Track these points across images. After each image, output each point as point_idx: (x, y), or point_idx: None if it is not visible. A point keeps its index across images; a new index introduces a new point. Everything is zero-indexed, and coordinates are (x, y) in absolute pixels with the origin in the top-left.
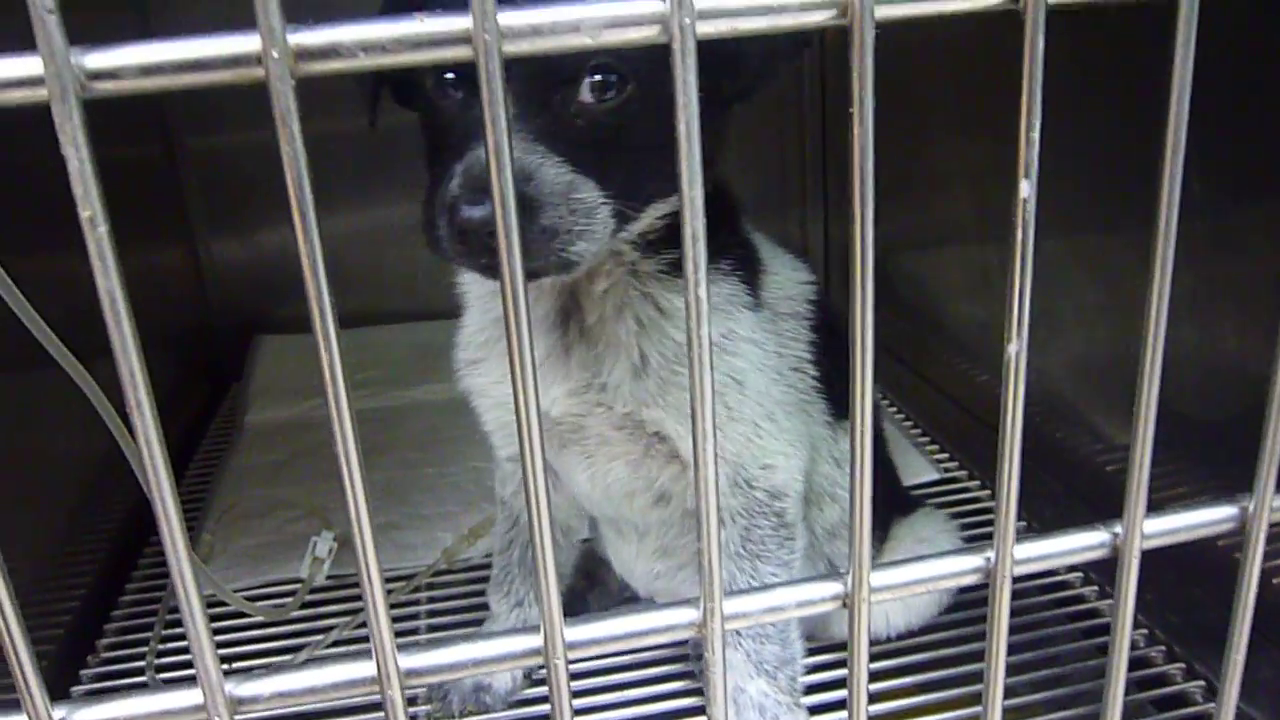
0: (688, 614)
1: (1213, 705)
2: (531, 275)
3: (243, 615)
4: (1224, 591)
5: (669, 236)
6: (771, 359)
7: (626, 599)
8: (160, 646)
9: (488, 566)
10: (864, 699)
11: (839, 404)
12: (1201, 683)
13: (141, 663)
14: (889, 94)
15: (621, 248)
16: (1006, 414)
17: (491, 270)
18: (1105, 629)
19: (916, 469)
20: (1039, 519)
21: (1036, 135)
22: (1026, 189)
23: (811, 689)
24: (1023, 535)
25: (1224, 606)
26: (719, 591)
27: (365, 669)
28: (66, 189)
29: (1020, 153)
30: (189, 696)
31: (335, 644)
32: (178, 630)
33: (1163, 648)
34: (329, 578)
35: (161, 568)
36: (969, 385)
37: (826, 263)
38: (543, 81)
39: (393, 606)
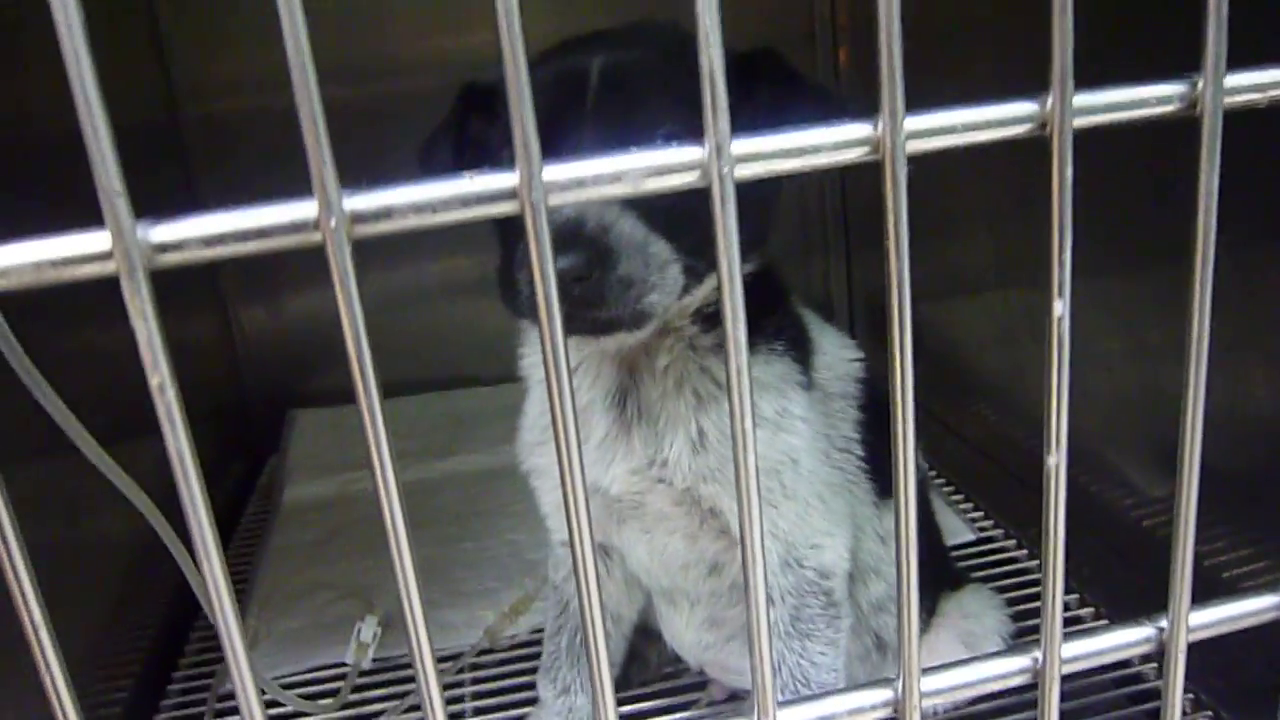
0: None
1: None
2: (605, 328)
3: (280, 705)
4: (1269, 653)
5: None
6: (821, 440)
7: (666, 674)
8: None
9: (530, 644)
10: None
11: (883, 483)
12: None
13: None
14: None
15: (681, 323)
16: (1049, 522)
17: (573, 323)
18: (1158, 701)
19: (952, 529)
20: (1076, 577)
21: (1069, 256)
22: (1060, 308)
23: None
24: (1073, 621)
25: (1269, 669)
26: (772, 704)
27: None
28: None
29: (1053, 273)
30: None
31: None
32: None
33: (1209, 712)
34: (374, 660)
35: (210, 653)
36: (1000, 439)
37: (851, 312)
38: (618, 140)
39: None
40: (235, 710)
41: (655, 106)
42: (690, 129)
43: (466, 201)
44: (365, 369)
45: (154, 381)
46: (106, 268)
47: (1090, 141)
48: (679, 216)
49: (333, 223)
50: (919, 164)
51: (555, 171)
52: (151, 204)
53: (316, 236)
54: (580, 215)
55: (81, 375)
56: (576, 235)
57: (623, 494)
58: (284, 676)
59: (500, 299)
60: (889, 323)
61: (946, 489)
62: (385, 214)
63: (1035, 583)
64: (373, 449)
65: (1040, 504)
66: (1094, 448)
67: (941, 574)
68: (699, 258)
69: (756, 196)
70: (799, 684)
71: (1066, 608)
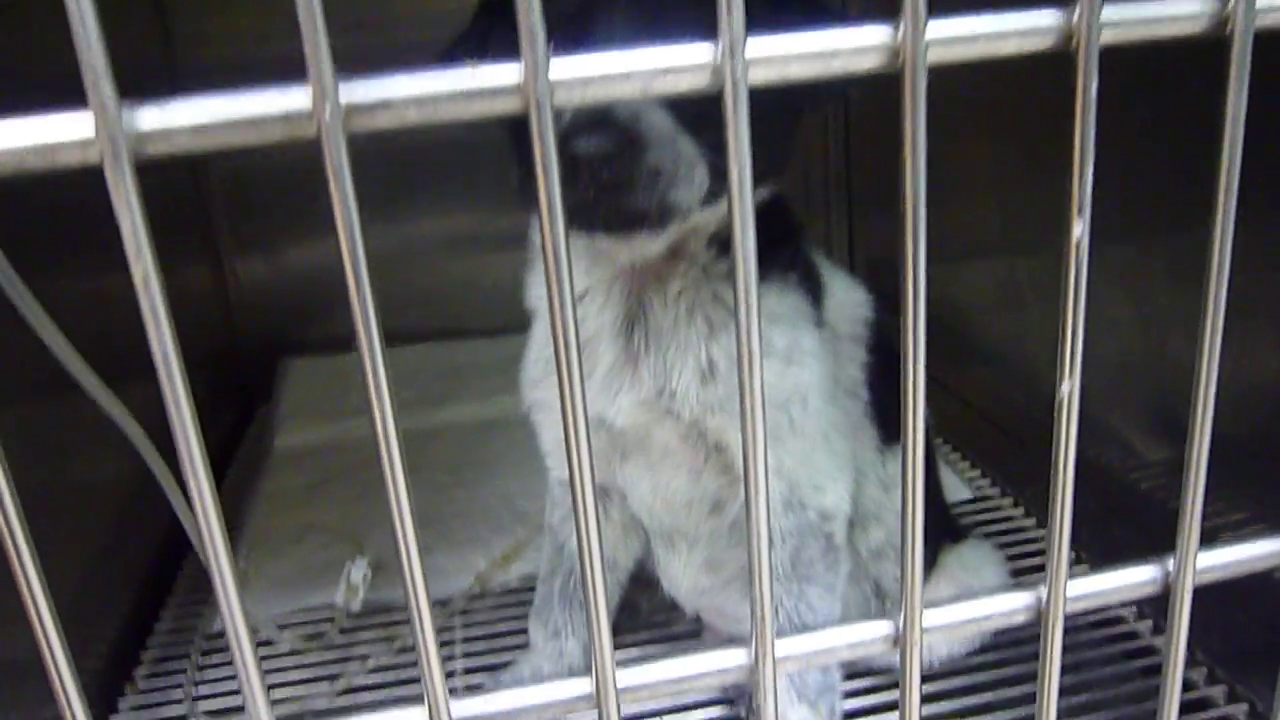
0: (738, 656)
1: None
2: (628, 222)
3: (269, 644)
4: (1268, 614)
5: None
6: (829, 379)
7: (658, 622)
8: (197, 676)
9: (520, 591)
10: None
11: (888, 429)
12: (1245, 705)
13: (179, 691)
14: None
15: (696, 247)
16: (1059, 452)
17: (597, 213)
18: (1152, 657)
19: (951, 488)
20: (1074, 539)
21: (1089, 175)
22: (1079, 228)
23: (850, 715)
24: (1074, 570)
25: (1268, 629)
26: (770, 633)
27: (415, 716)
28: (99, 212)
29: (1073, 191)
30: None
31: (373, 671)
32: (215, 659)
33: (1204, 669)
34: (364, 601)
35: (197, 593)
36: (999, 399)
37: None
38: (649, 32)
39: None
40: (222, 649)
41: (685, 14)
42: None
43: (469, 96)
44: (361, 278)
45: (137, 273)
46: (90, 154)
47: (1103, 109)
48: (707, 118)
49: (328, 113)
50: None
51: (562, 68)
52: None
53: (311, 128)
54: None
55: (74, 321)
56: (606, 118)
57: (628, 426)
58: (273, 617)
59: (520, 201)
60: (902, 246)
61: (945, 448)
62: (384, 106)
63: (1032, 540)
64: (366, 357)
65: (1038, 463)
66: (1096, 413)
67: (943, 527)
68: (723, 165)
69: (774, 117)
70: (794, 629)
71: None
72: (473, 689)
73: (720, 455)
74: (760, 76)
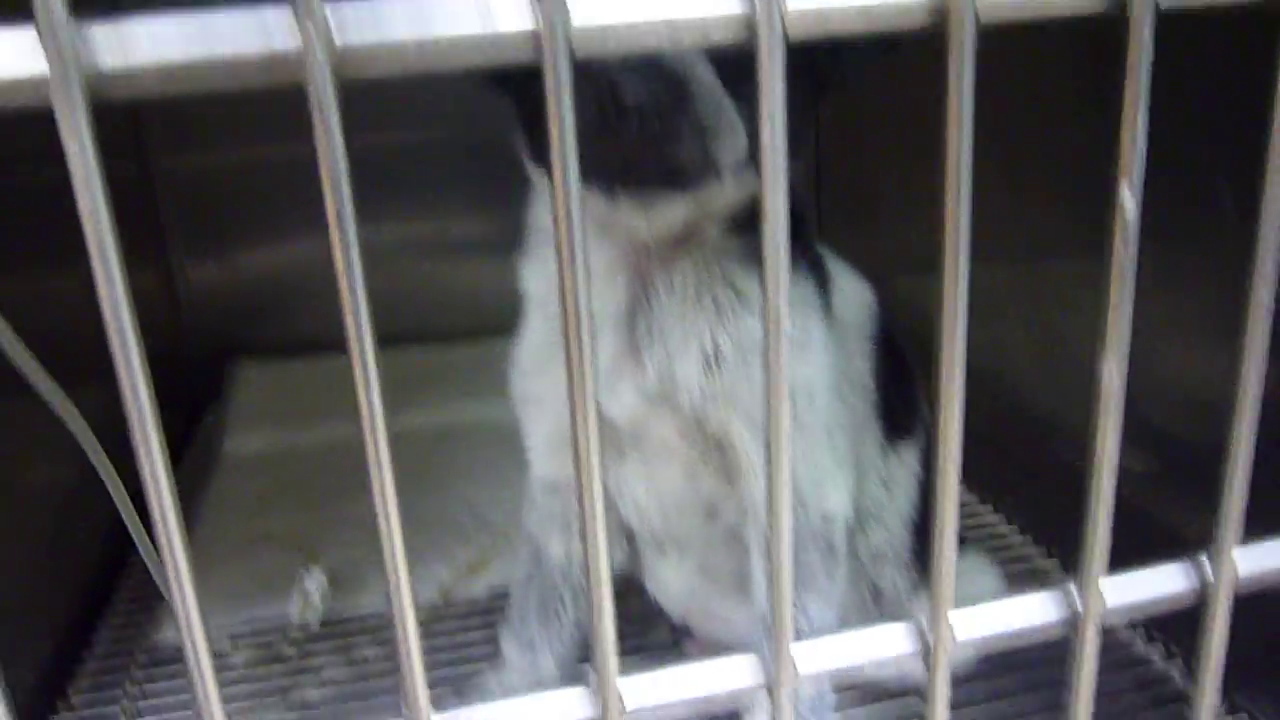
0: (749, 672)
1: None
2: (670, 179)
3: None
4: (1267, 624)
5: (752, 222)
6: (835, 373)
7: (630, 632)
8: (137, 691)
9: (484, 603)
10: None
11: (892, 424)
12: (1244, 715)
13: (116, 708)
14: (889, 105)
15: (708, 228)
16: (1097, 444)
17: (638, 167)
18: (1163, 685)
19: None
20: (1049, 541)
21: (1142, 139)
22: (1128, 197)
23: None
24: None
25: (1266, 642)
26: (788, 639)
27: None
28: (46, 204)
29: (1122, 152)
30: None
31: (324, 685)
32: (157, 673)
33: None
34: (322, 624)
35: (140, 603)
36: (976, 406)
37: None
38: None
39: (384, 644)
40: (165, 662)
41: None
42: None
43: (479, 46)
44: (349, 242)
45: (84, 206)
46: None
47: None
48: (741, 83)
49: (320, 56)
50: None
51: (585, 13)
52: None
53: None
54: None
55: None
56: (655, 64)
57: (627, 419)
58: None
59: (531, 159)
60: (943, 219)
61: None
62: (380, 52)
63: (1010, 546)
64: (352, 337)
65: (1017, 470)
66: (1077, 418)
67: (927, 545)
68: (751, 146)
69: (796, 89)
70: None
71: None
72: (440, 701)
73: (719, 455)
74: (799, 30)
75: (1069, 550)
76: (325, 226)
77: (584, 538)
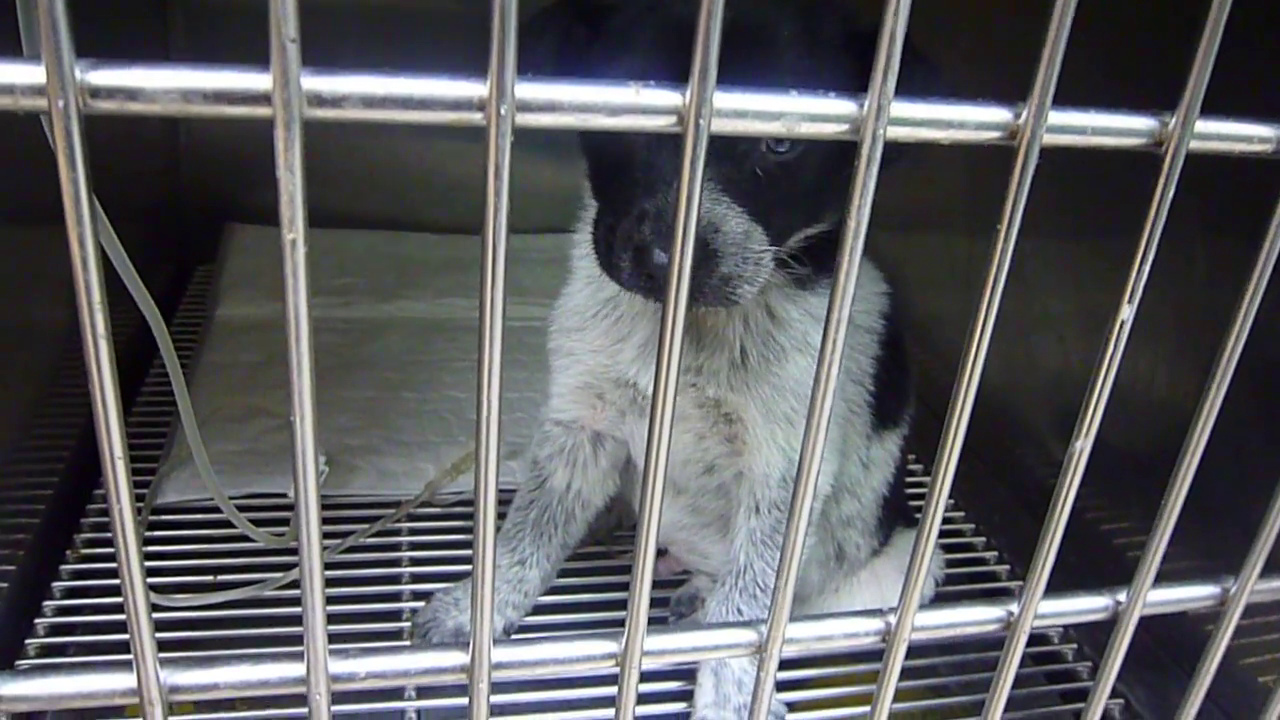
0: (747, 635)
1: None
2: (698, 301)
3: (223, 526)
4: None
5: (797, 253)
6: (841, 373)
7: (626, 550)
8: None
9: (467, 504)
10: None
11: (880, 417)
12: (1121, 701)
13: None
14: None
15: None
16: (1058, 501)
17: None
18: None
19: None
20: (987, 523)
21: (1148, 266)
22: (1127, 312)
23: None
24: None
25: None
26: (785, 619)
27: (457, 657)
28: None
29: (1131, 277)
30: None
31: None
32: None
33: (1089, 664)
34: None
35: (141, 464)
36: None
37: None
38: (721, 152)
39: (375, 535)
40: (168, 525)
41: (783, 67)
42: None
43: (629, 110)
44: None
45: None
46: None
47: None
48: (776, 199)
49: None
50: None
51: (722, 100)
52: None
53: None
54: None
55: None
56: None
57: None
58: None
59: (599, 264)
60: (985, 280)
61: None
62: (550, 107)
63: (959, 533)
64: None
65: (972, 460)
66: (1029, 418)
67: (899, 511)
68: (786, 237)
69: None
70: (758, 589)
71: (972, 549)
72: (422, 596)
73: (727, 427)
74: (894, 134)
75: (999, 538)
76: None
77: (640, 531)
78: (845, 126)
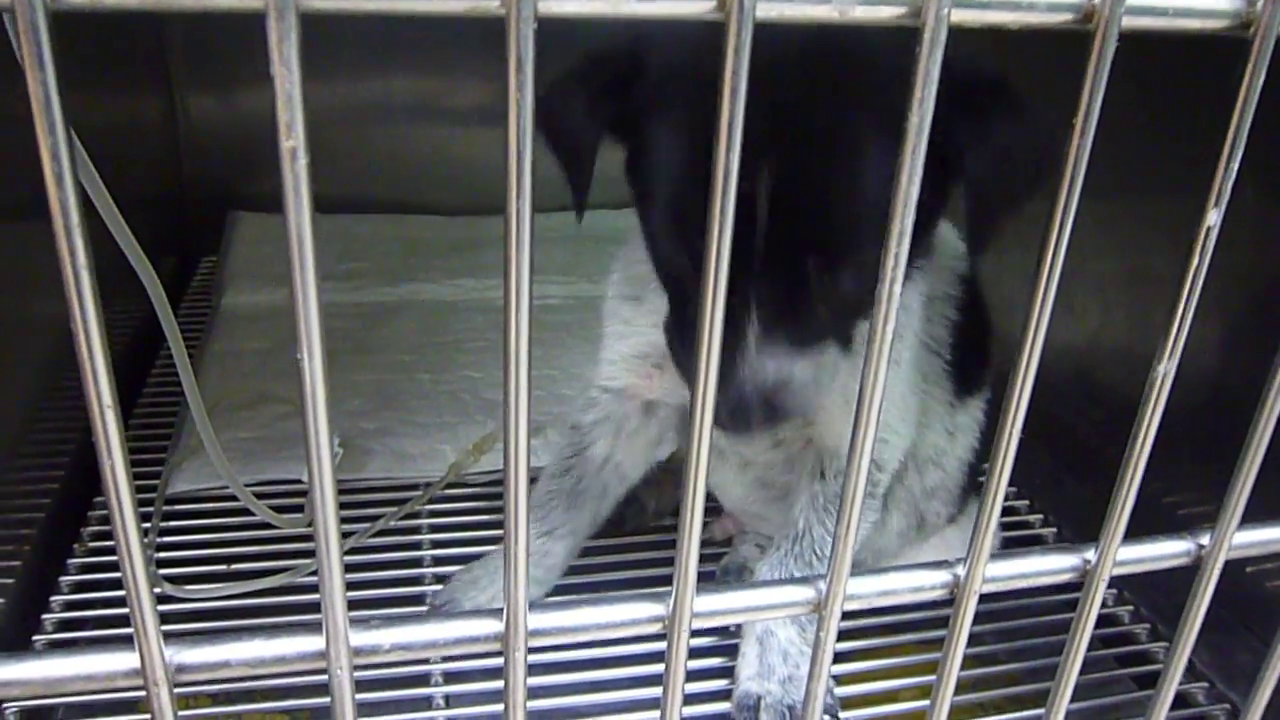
0: (805, 592)
1: (1195, 685)
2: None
3: (237, 514)
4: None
5: None
6: (917, 342)
7: (666, 525)
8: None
9: (489, 485)
10: (951, 688)
11: (962, 383)
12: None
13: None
14: None
15: None
16: (1138, 433)
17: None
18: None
19: None
20: (1029, 487)
21: (1236, 164)
22: (1215, 217)
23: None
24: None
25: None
26: (846, 572)
27: (490, 625)
28: None
29: (1216, 178)
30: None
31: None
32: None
33: (1147, 625)
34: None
35: (146, 455)
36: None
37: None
38: (787, 291)
39: (395, 504)
40: (184, 515)
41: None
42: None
43: None
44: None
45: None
46: None
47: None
48: (845, 309)
49: None
50: None
51: None
52: None
53: None
54: (763, 372)
55: None
56: (755, 391)
57: None
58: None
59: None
60: (1055, 204)
61: None
62: None
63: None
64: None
65: None
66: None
67: (975, 484)
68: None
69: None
70: (814, 556)
71: (1016, 512)
72: (444, 579)
73: None
74: (959, 17)
75: (1043, 499)
76: (334, 80)
77: (686, 475)
78: (903, 10)
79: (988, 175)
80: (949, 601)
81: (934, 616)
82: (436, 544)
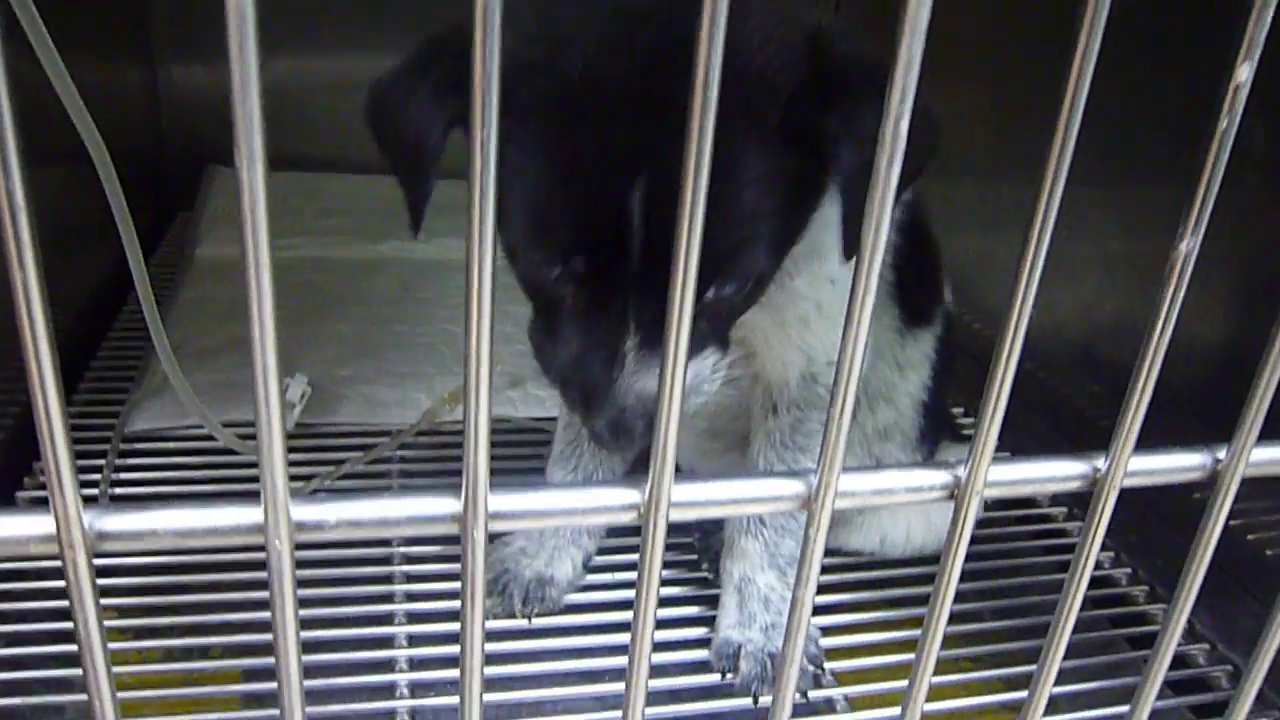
0: (794, 486)
1: (1195, 647)
2: None
3: (198, 454)
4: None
5: None
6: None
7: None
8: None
9: (460, 433)
10: (950, 596)
11: (910, 310)
12: (1145, 588)
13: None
14: None
15: None
16: (1158, 320)
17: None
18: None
19: None
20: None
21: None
22: (1246, 72)
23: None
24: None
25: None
26: (838, 467)
27: (448, 504)
28: None
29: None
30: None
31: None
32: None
33: (1128, 570)
34: (298, 425)
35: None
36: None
37: None
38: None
39: (370, 462)
40: (140, 453)
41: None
42: None
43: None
44: None
45: None
46: None
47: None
48: (723, 317)
49: None
50: None
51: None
52: None
53: None
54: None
55: None
56: (639, 412)
57: None
58: (191, 428)
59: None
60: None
61: None
62: None
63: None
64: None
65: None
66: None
67: (943, 423)
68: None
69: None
70: None
71: None
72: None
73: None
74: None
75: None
76: (309, 44)
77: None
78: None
79: (862, 170)
80: (935, 558)
81: (922, 573)
82: (407, 489)
